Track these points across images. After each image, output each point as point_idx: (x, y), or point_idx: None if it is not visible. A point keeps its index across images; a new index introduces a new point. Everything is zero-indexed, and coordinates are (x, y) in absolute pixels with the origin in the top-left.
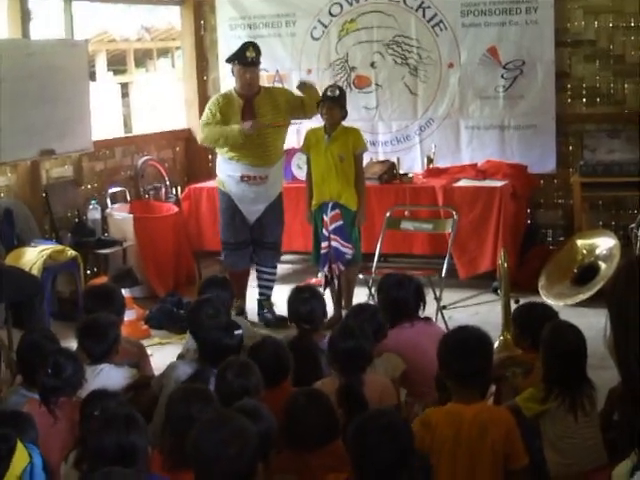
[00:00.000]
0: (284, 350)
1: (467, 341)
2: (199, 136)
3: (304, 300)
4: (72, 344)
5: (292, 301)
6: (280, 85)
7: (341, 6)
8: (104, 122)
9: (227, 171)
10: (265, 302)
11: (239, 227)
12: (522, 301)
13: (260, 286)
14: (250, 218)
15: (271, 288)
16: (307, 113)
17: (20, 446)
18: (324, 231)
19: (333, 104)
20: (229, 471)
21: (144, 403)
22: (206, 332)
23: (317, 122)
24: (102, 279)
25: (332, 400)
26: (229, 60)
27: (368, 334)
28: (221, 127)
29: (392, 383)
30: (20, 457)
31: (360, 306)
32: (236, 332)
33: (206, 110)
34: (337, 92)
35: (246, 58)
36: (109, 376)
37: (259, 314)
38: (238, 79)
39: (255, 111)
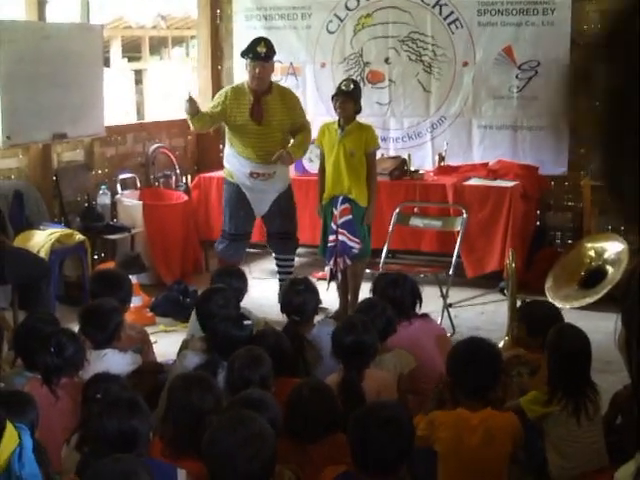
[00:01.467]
0: (285, 340)
1: (477, 354)
2: None
3: (297, 292)
4: (77, 328)
5: (285, 292)
6: (294, 78)
7: (357, 0)
8: (117, 108)
9: (236, 165)
10: None
11: (242, 219)
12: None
13: (279, 272)
14: (259, 209)
15: (290, 274)
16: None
17: (10, 428)
18: (332, 224)
19: (346, 98)
20: (245, 471)
21: (147, 388)
22: (215, 323)
23: (332, 117)
24: (109, 264)
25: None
26: (243, 54)
27: (371, 329)
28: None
29: (400, 378)
30: (9, 439)
31: (370, 301)
32: (245, 323)
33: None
34: (351, 86)
35: (257, 53)
36: (113, 361)
37: None
38: (249, 73)
39: (264, 109)
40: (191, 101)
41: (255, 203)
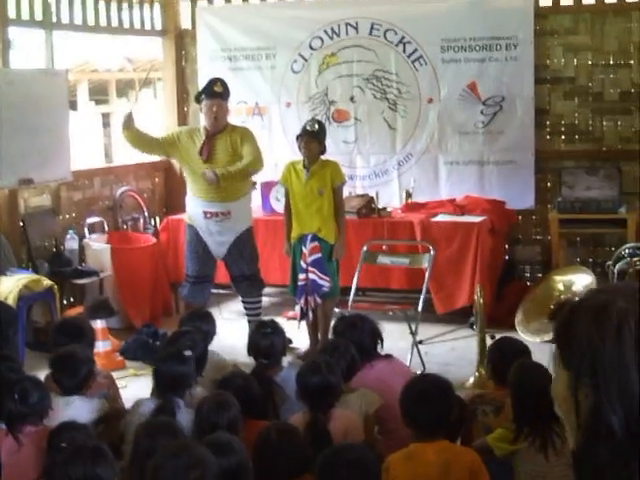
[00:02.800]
0: (253, 383)
1: (427, 392)
2: None
3: (264, 335)
4: (45, 374)
5: (252, 335)
6: (260, 118)
7: (322, 40)
8: (85, 152)
9: (192, 206)
10: None
11: (202, 261)
12: (498, 336)
13: (248, 315)
14: (217, 252)
15: (258, 315)
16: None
17: None
18: (302, 263)
19: (311, 138)
20: None
21: (114, 436)
22: (157, 365)
23: (297, 156)
24: (78, 309)
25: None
26: (197, 97)
27: (336, 370)
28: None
29: (366, 418)
30: None
31: (333, 342)
32: (186, 354)
33: None
34: (316, 127)
35: (213, 91)
36: (80, 408)
37: None
38: (205, 113)
39: (212, 147)
40: (129, 117)
41: (213, 246)
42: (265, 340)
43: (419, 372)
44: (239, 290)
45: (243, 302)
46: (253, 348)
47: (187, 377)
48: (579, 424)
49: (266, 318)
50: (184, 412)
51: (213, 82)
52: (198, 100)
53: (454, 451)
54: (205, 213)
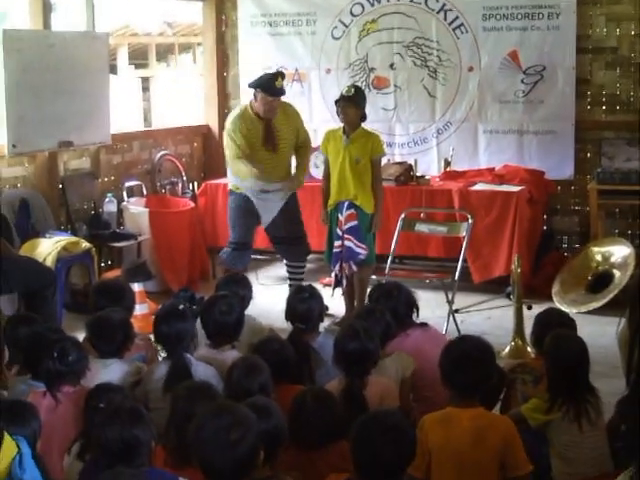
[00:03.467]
0: (288, 348)
1: (468, 353)
2: (231, 168)
3: (302, 300)
4: (83, 336)
5: (290, 300)
6: (299, 84)
7: (362, 6)
8: (124, 115)
9: (245, 184)
10: None
11: (247, 228)
12: (535, 307)
13: (290, 279)
14: (266, 217)
15: (301, 280)
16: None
17: (7, 438)
18: (338, 230)
19: (347, 103)
20: (231, 457)
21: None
22: (158, 325)
23: (336, 123)
24: (116, 272)
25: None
26: (254, 85)
27: (373, 336)
28: (246, 165)
29: (402, 382)
30: (7, 449)
31: (368, 307)
32: (181, 308)
33: (230, 141)
34: (352, 91)
35: (274, 87)
36: (117, 371)
37: None
38: (262, 105)
39: (275, 133)
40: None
41: (262, 210)
42: (302, 305)
43: None
44: (286, 253)
45: (287, 266)
46: (290, 312)
47: (189, 331)
48: (629, 369)
49: (303, 284)
50: (198, 365)
51: (274, 77)
52: (254, 87)
53: (489, 419)
54: (263, 190)
